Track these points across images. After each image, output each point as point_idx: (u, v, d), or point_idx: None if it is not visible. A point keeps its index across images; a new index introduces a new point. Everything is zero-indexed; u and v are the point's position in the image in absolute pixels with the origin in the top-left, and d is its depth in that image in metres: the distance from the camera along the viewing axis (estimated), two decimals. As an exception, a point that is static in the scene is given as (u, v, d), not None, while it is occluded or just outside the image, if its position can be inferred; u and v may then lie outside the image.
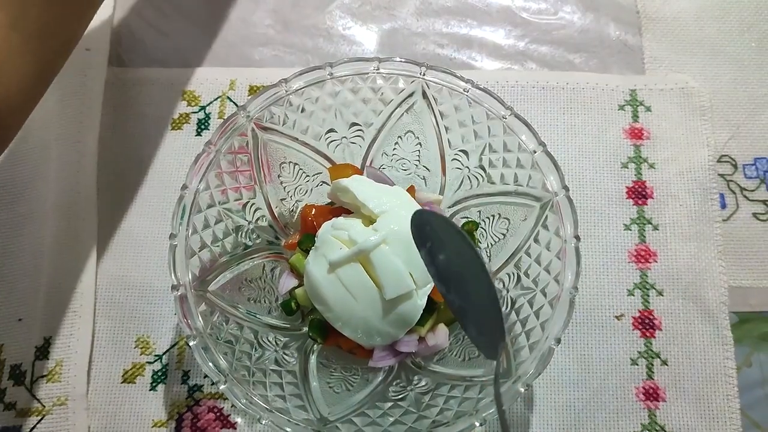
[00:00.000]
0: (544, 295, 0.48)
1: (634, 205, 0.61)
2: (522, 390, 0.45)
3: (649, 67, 0.66)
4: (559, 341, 0.46)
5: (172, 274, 0.47)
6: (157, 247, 0.60)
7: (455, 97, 0.52)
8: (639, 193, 0.61)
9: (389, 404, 0.49)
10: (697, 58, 0.66)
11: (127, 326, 0.58)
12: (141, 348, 0.57)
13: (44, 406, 0.55)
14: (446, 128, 0.54)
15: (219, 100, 0.64)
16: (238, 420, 0.55)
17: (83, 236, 0.60)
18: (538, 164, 0.50)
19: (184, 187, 0.49)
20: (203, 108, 0.64)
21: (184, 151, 0.63)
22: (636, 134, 0.63)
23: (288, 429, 0.45)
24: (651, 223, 0.60)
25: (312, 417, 0.47)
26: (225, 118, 0.50)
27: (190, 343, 0.46)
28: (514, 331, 0.50)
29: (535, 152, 0.50)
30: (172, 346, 0.57)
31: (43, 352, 0.57)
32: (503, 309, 0.50)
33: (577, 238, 0.48)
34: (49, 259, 0.59)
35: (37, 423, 0.55)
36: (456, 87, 0.52)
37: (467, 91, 0.52)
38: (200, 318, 0.47)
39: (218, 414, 0.55)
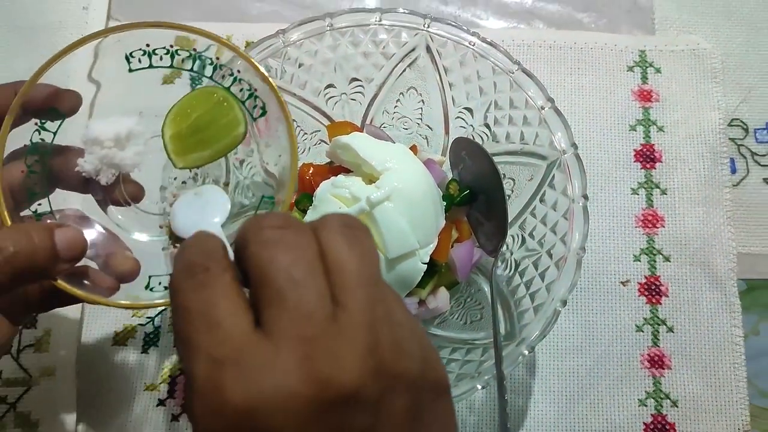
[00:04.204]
0: (550, 256, 0.47)
1: (642, 168, 0.59)
2: (526, 352, 0.43)
3: (659, 28, 0.64)
4: (565, 303, 0.44)
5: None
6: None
7: (460, 51, 0.50)
8: (647, 157, 0.59)
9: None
10: (709, 18, 0.64)
11: (118, 287, 0.56)
12: (133, 310, 0.55)
13: (31, 376, 0.53)
14: (450, 84, 0.52)
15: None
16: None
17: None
18: (546, 121, 0.48)
19: (177, 140, 0.47)
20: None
21: (177, 109, 0.61)
22: (645, 96, 0.61)
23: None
24: (659, 188, 0.58)
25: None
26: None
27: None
28: (518, 294, 0.48)
29: (542, 109, 0.48)
30: (165, 309, 0.56)
31: (30, 320, 0.55)
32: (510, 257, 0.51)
33: (585, 197, 0.46)
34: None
35: (23, 393, 0.53)
36: (461, 40, 0.50)
37: (473, 45, 0.50)
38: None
39: (212, 377, 0.54)
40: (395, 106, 0.55)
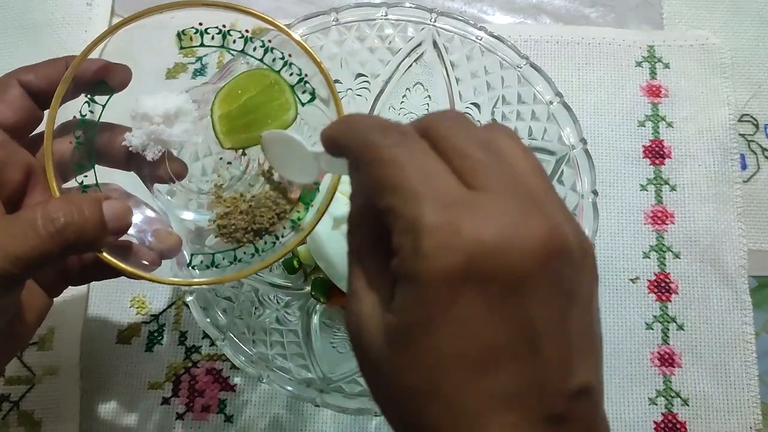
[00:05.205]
0: (559, 253, 0.46)
1: (651, 164, 0.58)
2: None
3: (668, 23, 0.63)
4: (575, 300, 0.43)
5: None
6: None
7: (467, 45, 0.49)
8: (656, 153, 0.59)
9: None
10: (718, 13, 0.63)
11: (122, 285, 0.56)
12: (137, 308, 0.55)
13: (34, 375, 0.53)
14: (457, 79, 0.51)
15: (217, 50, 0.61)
16: (237, 381, 0.53)
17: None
18: (555, 116, 0.47)
19: (181, 136, 0.46)
20: (200, 59, 0.62)
21: (181, 105, 0.60)
22: (654, 92, 0.60)
23: (289, 388, 0.43)
24: (668, 184, 0.58)
25: (315, 376, 0.45)
26: (224, 64, 0.48)
27: (187, 299, 0.44)
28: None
29: (551, 103, 0.47)
30: (169, 306, 0.55)
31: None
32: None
33: (595, 192, 0.45)
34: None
35: (26, 392, 0.53)
36: (468, 35, 0.49)
37: (480, 39, 0.49)
38: (198, 273, 0.45)
39: (216, 376, 0.53)
40: (402, 102, 0.54)
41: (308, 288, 0.51)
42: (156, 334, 0.54)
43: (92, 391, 0.53)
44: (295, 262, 0.51)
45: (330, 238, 0.47)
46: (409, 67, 0.52)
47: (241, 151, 0.43)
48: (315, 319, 0.50)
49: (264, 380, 0.43)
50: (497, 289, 0.22)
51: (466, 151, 0.24)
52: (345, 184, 0.47)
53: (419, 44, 0.51)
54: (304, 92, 0.41)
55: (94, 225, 0.34)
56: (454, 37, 0.49)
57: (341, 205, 0.47)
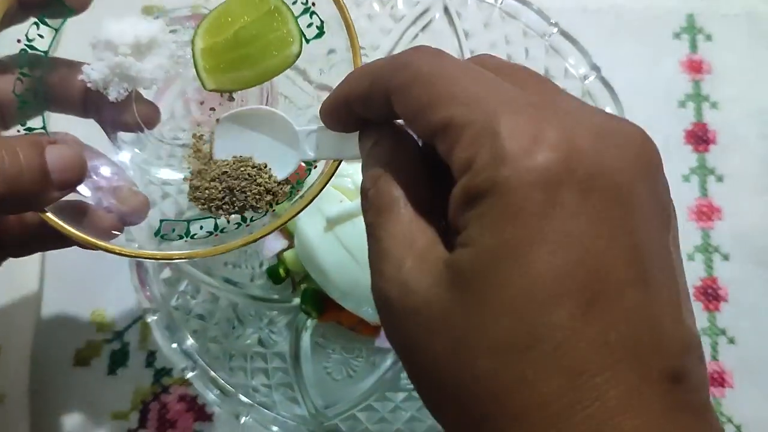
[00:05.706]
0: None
1: (693, 151, 0.52)
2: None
3: (709, -12, 0.56)
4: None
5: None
6: (116, 202, 0.50)
7: (484, 10, 0.43)
8: (699, 138, 0.52)
9: (402, 395, 0.40)
10: (767, -23, 0.56)
11: (80, 297, 0.48)
12: (97, 324, 0.48)
13: (-26, 406, 0.46)
14: (472, 51, 0.45)
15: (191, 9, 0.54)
16: (215, 410, 0.46)
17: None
18: (590, 94, 0.41)
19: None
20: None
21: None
22: (695, 67, 0.53)
23: (275, 428, 0.35)
24: (714, 174, 0.51)
25: (305, 412, 0.38)
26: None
27: (148, 319, 0.37)
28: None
29: (586, 79, 0.41)
30: (135, 322, 0.48)
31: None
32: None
33: (642, 186, 0.38)
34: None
35: (-36, 426, 0.46)
36: (486, -3, 0.42)
37: (500, 3, 0.42)
38: (163, 286, 0.38)
39: (191, 403, 0.46)
40: (405, 80, 0.47)
41: (297, 300, 0.44)
42: (119, 354, 0.47)
43: (44, 422, 0.46)
44: (281, 270, 0.44)
45: (322, 242, 0.40)
46: (415, 37, 0.46)
47: (228, 95, 0.36)
48: (305, 337, 0.44)
49: (243, 419, 0.35)
50: (601, 197, 0.19)
51: (518, 74, 0.22)
52: (339, 177, 0.40)
53: (427, 10, 0.45)
54: (310, 25, 0.33)
55: (33, 175, 0.28)
56: (468, 0, 0.43)
57: (335, 203, 0.40)
